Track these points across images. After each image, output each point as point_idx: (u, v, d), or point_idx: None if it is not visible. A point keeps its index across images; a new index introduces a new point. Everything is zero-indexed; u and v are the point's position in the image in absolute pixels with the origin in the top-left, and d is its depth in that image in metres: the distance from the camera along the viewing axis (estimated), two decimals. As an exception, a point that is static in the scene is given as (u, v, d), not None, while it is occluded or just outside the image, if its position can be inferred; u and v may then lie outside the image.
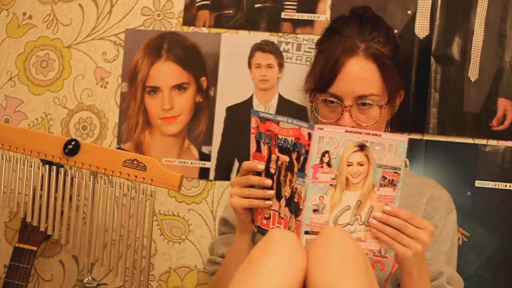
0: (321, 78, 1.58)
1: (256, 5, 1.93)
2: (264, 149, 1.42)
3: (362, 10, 1.67)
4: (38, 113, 2.03)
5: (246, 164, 1.45)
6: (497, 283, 1.82)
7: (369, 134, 1.36)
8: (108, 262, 1.77)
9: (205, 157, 1.95)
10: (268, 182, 1.41)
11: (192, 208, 1.97)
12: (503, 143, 1.83)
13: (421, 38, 1.85)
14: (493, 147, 1.83)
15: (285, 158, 1.38)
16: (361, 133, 1.35)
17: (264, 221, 1.44)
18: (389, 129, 1.67)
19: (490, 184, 1.82)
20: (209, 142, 1.95)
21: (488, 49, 1.82)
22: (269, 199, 1.41)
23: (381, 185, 1.37)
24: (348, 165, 1.35)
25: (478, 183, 1.83)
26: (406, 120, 1.84)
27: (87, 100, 2.01)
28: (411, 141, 1.84)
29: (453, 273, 1.58)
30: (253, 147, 1.45)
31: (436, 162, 1.84)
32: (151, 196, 1.69)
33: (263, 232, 1.44)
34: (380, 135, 1.36)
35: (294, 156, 1.37)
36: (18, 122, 2.04)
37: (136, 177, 1.68)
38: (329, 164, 1.33)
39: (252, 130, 1.44)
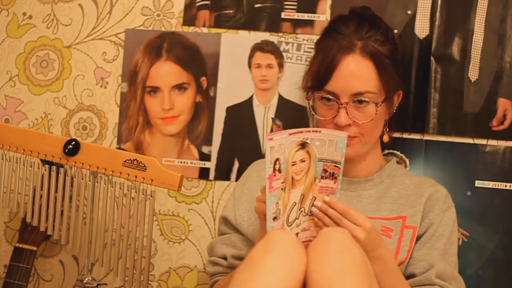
0: (318, 76, 1.58)
1: (256, 5, 1.93)
2: None
3: (361, 10, 1.67)
4: (38, 113, 2.03)
5: None
6: (497, 283, 1.82)
7: (309, 131, 1.39)
8: (108, 262, 1.77)
9: (205, 157, 1.95)
10: None
11: (192, 208, 1.97)
12: (503, 143, 1.83)
13: (421, 38, 1.85)
14: (493, 147, 1.82)
15: None
16: (302, 132, 1.38)
17: None
18: (387, 129, 1.67)
19: (490, 184, 1.82)
20: (209, 142, 1.95)
21: (488, 49, 1.82)
22: None
23: (322, 177, 1.40)
24: (293, 165, 1.37)
25: (478, 183, 1.83)
26: (406, 120, 1.84)
27: (87, 100, 2.01)
28: (411, 141, 1.85)
29: (446, 269, 1.56)
30: None
31: (436, 162, 1.84)
32: (151, 196, 1.69)
33: None
34: (320, 131, 1.39)
35: None
36: (18, 122, 2.04)
37: (136, 177, 1.68)
38: (279, 170, 1.36)
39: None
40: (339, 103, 1.55)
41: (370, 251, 1.42)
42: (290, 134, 1.36)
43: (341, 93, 1.55)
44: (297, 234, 1.41)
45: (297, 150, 1.37)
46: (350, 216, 1.40)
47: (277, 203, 1.37)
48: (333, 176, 1.41)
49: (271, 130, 1.42)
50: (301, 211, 1.40)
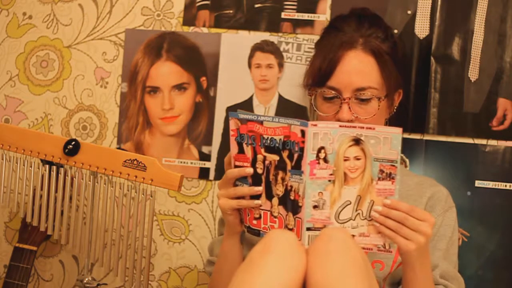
0: (320, 72, 1.58)
1: (256, 5, 1.93)
2: (248, 150, 1.42)
3: (361, 10, 1.67)
4: (38, 113, 2.03)
5: (233, 172, 1.43)
6: (497, 283, 1.82)
7: (363, 127, 1.36)
8: (108, 262, 1.77)
9: (205, 157, 1.95)
10: (259, 189, 1.41)
11: (192, 208, 1.97)
12: (503, 143, 1.83)
13: (421, 38, 1.85)
14: (493, 147, 1.83)
15: (274, 157, 1.38)
16: (355, 127, 1.35)
17: (254, 221, 1.44)
18: None
19: (490, 184, 1.82)
20: (209, 142, 1.95)
21: (488, 49, 1.82)
22: (258, 198, 1.41)
23: (379, 179, 1.37)
24: (345, 160, 1.35)
25: (478, 183, 1.83)
26: (406, 120, 1.84)
27: (87, 100, 2.01)
28: (411, 141, 1.85)
29: (449, 269, 1.57)
30: (234, 149, 1.44)
31: (436, 162, 1.84)
32: (151, 196, 1.69)
33: (253, 232, 1.44)
34: (374, 128, 1.36)
35: (285, 154, 1.37)
36: (18, 122, 2.04)
37: (136, 177, 1.68)
38: (325, 160, 1.34)
39: (232, 133, 1.43)
40: (342, 98, 1.55)
41: (426, 246, 1.40)
42: (340, 126, 1.34)
43: (343, 89, 1.55)
44: (353, 236, 1.38)
45: (350, 146, 1.35)
46: (416, 213, 1.37)
47: (321, 192, 1.35)
48: (390, 177, 1.37)
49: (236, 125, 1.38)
50: (358, 213, 1.38)
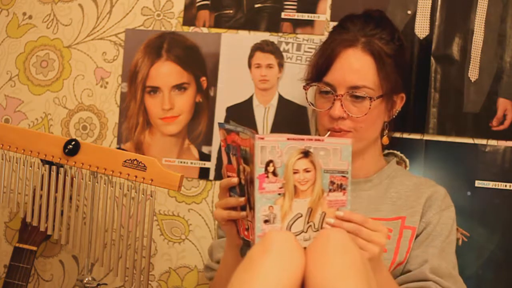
0: (317, 67, 1.59)
1: (256, 5, 1.93)
2: (233, 160, 1.42)
3: (373, 11, 1.67)
4: (38, 113, 2.03)
5: (223, 182, 1.44)
6: (497, 283, 1.82)
7: (311, 139, 1.34)
8: (108, 262, 1.77)
9: (205, 157, 1.95)
10: (241, 200, 1.40)
11: (192, 208, 1.97)
12: (503, 143, 1.83)
13: (421, 38, 1.85)
14: (493, 147, 1.83)
15: (248, 168, 1.37)
16: (303, 139, 1.34)
17: (246, 232, 1.43)
18: (386, 132, 1.67)
19: (490, 184, 1.82)
20: (209, 142, 1.95)
21: (488, 49, 1.82)
22: (244, 209, 1.41)
23: (330, 190, 1.36)
24: (295, 173, 1.33)
25: (478, 183, 1.83)
26: (406, 120, 1.84)
27: (87, 100, 2.01)
28: (411, 141, 1.86)
29: (442, 265, 1.55)
30: (224, 159, 1.44)
31: (436, 162, 1.84)
32: (151, 196, 1.70)
33: (246, 243, 1.43)
34: (323, 140, 1.35)
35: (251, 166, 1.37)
36: (18, 122, 2.04)
37: (136, 177, 1.68)
38: (274, 173, 1.32)
39: (222, 143, 1.43)
40: (335, 94, 1.56)
41: (379, 258, 1.40)
42: (288, 139, 1.33)
43: (338, 85, 1.56)
44: (304, 248, 1.38)
45: (299, 158, 1.34)
46: (369, 224, 1.37)
47: (271, 206, 1.34)
48: (341, 188, 1.37)
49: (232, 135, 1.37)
50: (310, 225, 1.37)
